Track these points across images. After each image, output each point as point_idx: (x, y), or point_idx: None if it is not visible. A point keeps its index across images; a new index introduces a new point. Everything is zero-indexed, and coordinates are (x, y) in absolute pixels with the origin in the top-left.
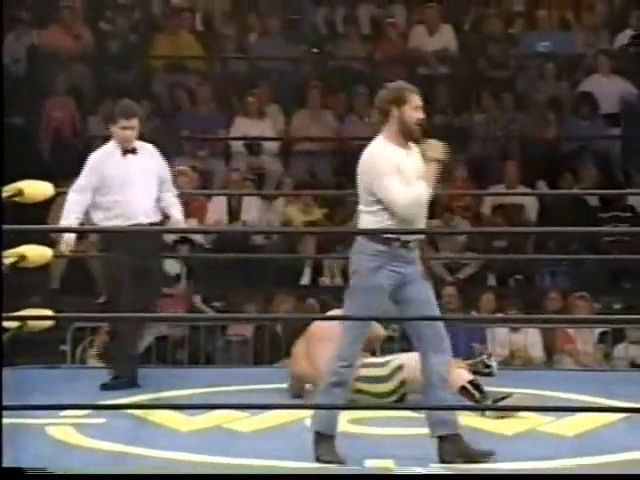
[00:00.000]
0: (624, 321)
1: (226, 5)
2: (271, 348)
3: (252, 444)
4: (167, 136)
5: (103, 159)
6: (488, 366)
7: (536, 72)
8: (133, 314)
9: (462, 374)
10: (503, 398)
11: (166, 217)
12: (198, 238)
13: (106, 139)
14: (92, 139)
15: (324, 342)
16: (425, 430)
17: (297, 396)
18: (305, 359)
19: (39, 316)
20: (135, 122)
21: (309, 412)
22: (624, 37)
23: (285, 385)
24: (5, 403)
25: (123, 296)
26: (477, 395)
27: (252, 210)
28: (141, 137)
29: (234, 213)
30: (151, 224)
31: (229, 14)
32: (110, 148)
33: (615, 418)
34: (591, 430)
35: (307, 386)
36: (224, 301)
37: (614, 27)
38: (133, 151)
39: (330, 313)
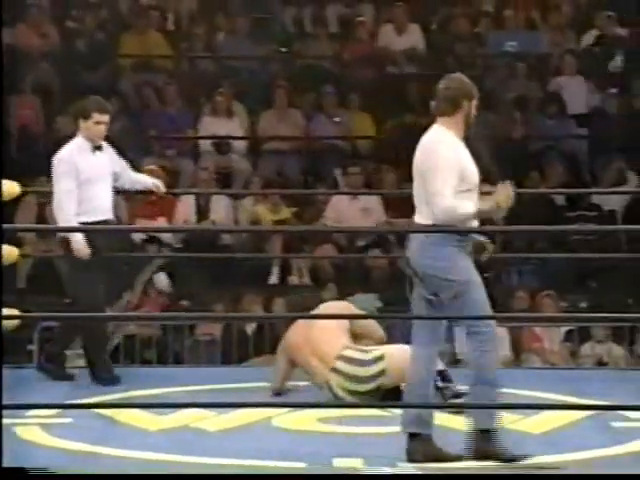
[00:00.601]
0: (590, 319)
1: (194, 4)
2: (239, 347)
3: (220, 443)
4: (135, 135)
5: (76, 154)
6: (457, 395)
7: (504, 72)
8: (107, 314)
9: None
10: (458, 396)
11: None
12: (167, 237)
13: (73, 138)
14: (60, 138)
15: (327, 328)
16: (394, 429)
17: (277, 394)
18: (306, 346)
19: (39, 316)
20: (107, 118)
21: (277, 411)
22: (590, 37)
23: (265, 384)
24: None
25: (89, 295)
26: (441, 385)
27: (221, 209)
28: (108, 136)
29: (203, 212)
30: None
31: (197, 13)
32: (80, 143)
33: (581, 416)
34: (558, 428)
35: (288, 384)
36: (192, 300)
37: (580, 27)
38: (100, 148)
39: (323, 307)
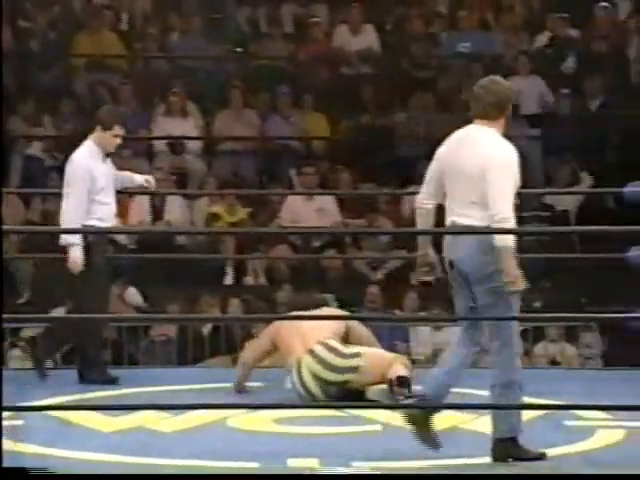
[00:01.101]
0: (544, 319)
1: (148, 4)
2: (195, 348)
3: (174, 444)
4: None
5: (90, 160)
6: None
7: (458, 72)
8: (75, 315)
9: (398, 369)
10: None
11: None
12: (122, 238)
13: (27, 138)
14: (12, 139)
15: (320, 324)
16: (349, 429)
17: (239, 392)
18: (293, 329)
19: (38, 317)
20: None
21: (233, 412)
22: (543, 38)
23: (221, 385)
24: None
25: (97, 299)
26: (405, 392)
27: (176, 210)
28: (62, 137)
29: (157, 213)
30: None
31: (151, 13)
32: (92, 151)
33: (535, 415)
34: None
35: (248, 384)
36: (147, 301)
37: (533, 29)
38: (109, 155)
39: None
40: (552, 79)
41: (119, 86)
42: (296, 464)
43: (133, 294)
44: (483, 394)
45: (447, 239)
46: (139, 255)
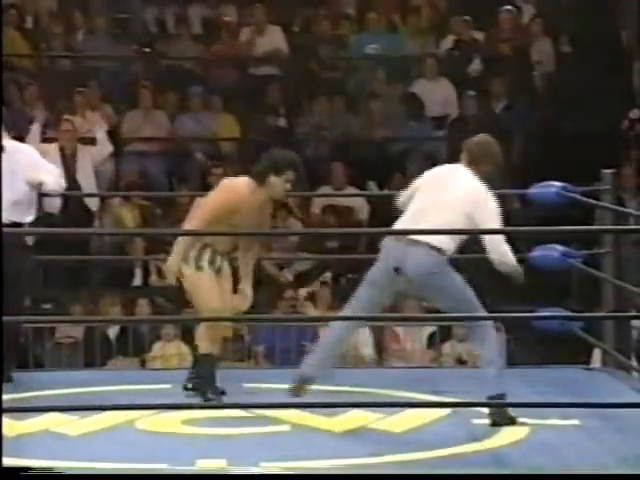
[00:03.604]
0: (452, 319)
1: (52, 3)
2: (102, 350)
3: (81, 447)
4: None
5: None
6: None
7: (366, 74)
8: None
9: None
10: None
11: None
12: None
13: None
14: None
15: None
16: (257, 429)
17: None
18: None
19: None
20: None
21: (141, 413)
22: (448, 41)
23: (126, 387)
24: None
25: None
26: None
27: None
28: None
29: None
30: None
31: (56, 12)
32: None
33: (442, 414)
34: (419, 426)
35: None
36: (52, 302)
37: (439, 31)
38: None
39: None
40: (458, 81)
41: (25, 86)
42: (205, 465)
43: None
44: (387, 393)
45: (399, 247)
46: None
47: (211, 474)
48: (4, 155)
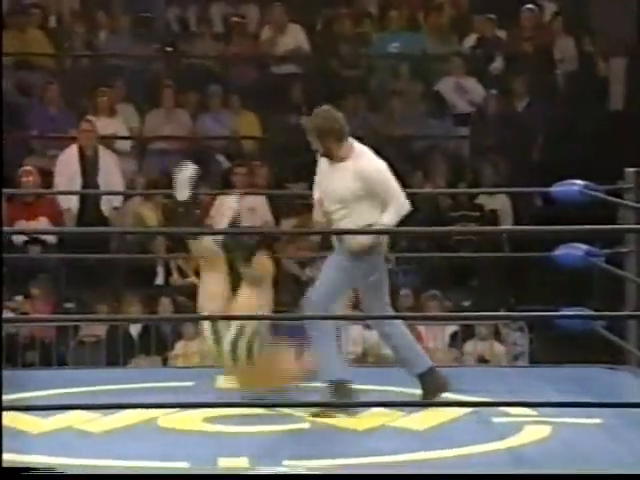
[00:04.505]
0: (473, 318)
1: (75, 2)
2: (125, 348)
3: (103, 445)
4: (16, 135)
5: None
6: None
7: (388, 72)
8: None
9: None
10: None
11: None
12: (50, 238)
13: None
14: None
15: None
16: (278, 427)
17: None
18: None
19: (38, 318)
20: None
21: (163, 411)
22: (471, 39)
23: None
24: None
25: None
26: None
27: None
28: None
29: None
30: None
31: (78, 11)
32: None
33: (463, 412)
34: (440, 424)
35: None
36: (75, 301)
37: (461, 29)
38: None
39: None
40: (480, 79)
41: (46, 85)
42: (226, 464)
43: None
44: (408, 391)
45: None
46: (67, 255)
47: (232, 474)
48: None
